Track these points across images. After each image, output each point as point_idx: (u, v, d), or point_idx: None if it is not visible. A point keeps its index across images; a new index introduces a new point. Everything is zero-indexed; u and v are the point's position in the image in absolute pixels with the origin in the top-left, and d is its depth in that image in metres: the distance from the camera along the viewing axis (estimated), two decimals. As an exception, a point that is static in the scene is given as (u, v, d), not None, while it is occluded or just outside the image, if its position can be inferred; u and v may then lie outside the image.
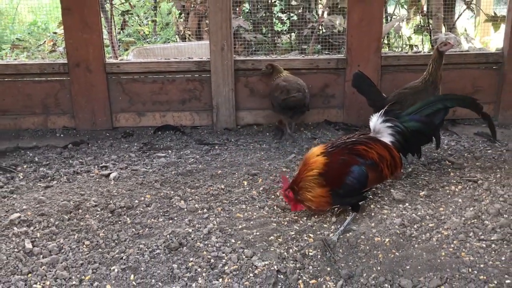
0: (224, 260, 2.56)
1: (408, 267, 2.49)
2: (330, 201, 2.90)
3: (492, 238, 2.73)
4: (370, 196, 3.24)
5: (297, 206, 2.99)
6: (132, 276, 2.46)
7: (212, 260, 2.56)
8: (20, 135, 4.51)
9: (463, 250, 2.63)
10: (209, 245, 2.68)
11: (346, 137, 3.11)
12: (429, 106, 3.27)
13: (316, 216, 3.01)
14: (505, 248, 2.63)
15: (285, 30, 6.71)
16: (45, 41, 7.21)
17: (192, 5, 6.50)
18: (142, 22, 7.83)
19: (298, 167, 3.05)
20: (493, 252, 2.61)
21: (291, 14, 6.59)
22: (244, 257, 2.58)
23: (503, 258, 2.55)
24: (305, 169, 2.91)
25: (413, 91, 4.03)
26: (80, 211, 3.09)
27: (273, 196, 3.28)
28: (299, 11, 6.37)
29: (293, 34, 6.52)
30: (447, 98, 3.36)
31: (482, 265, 2.48)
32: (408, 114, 3.24)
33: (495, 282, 2.36)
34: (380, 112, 3.18)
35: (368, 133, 3.17)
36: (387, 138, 3.11)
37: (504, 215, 2.94)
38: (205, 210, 3.12)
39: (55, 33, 7.23)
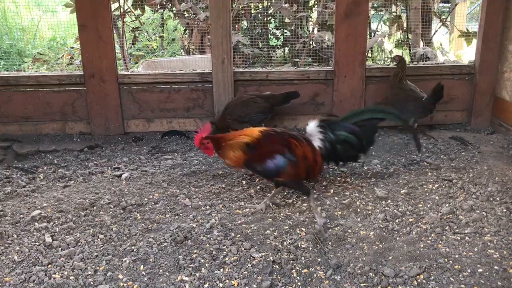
0: (225, 252, 2.56)
1: (390, 257, 2.49)
2: (244, 167, 3.03)
3: (466, 232, 2.73)
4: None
5: (209, 152, 3.08)
6: (142, 266, 2.46)
7: (214, 252, 2.55)
8: (41, 139, 4.50)
9: (440, 242, 2.63)
10: (211, 239, 2.68)
11: (287, 130, 3.18)
12: (358, 115, 3.16)
13: (307, 212, 3.01)
14: (477, 241, 2.64)
15: (279, 45, 6.71)
16: (63, 55, 7.19)
17: (196, 23, 6.49)
18: (151, 37, 7.83)
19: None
20: (466, 244, 2.62)
21: (285, 31, 6.59)
22: (243, 249, 2.58)
23: (475, 249, 2.55)
24: (240, 134, 3.02)
25: None
26: (95, 208, 3.09)
27: (268, 194, 3.28)
28: (292, 27, 6.38)
29: (286, 48, 6.53)
30: (377, 110, 3.24)
31: (457, 256, 2.48)
32: (341, 121, 3.17)
33: (469, 271, 2.36)
34: (319, 119, 3.19)
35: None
36: (316, 143, 3.09)
37: (476, 211, 2.95)
38: (207, 207, 3.11)
39: (72, 47, 7.22)
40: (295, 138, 3.02)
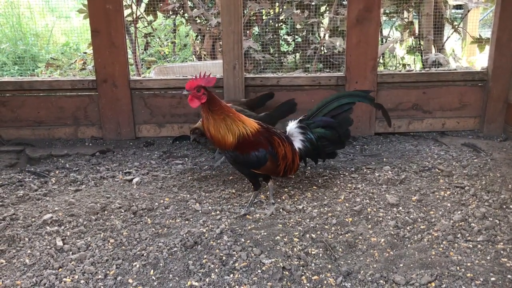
0: (234, 258, 2.55)
1: (401, 265, 2.47)
2: (224, 151, 3.00)
3: (478, 239, 2.70)
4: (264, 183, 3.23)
5: (194, 103, 2.89)
6: (152, 271, 2.46)
7: (223, 258, 2.55)
8: (53, 144, 4.54)
9: (452, 250, 2.61)
10: (221, 244, 2.68)
11: (272, 127, 3.22)
12: (327, 106, 3.27)
13: (318, 218, 3.00)
14: (490, 249, 2.61)
15: (291, 51, 6.72)
16: (76, 60, 7.26)
17: (207, 28, 6.53)
18: (163, 43, 7.87)
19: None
20: (479, 252, 2.59)
21: (296, 36, 6.60)
22: (252, 255, 2.57)
23: (488, 258, 2.52)
24: (240, 119, 2.97)
25: None
26: (105, 212, 3.10)
27: (279, 200, 3.28)
28: (303, 33, 6.39)
29: (297, 54, 6.53)
30: (342, 96, 3.33)
31: (469, 264, 2.46)
32: (310, 117, 3.26)
33: (481, 279, 2.33)
34: (297, 119, 3.27)
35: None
36: (297, 144, 3.19)
37: (489, 218, 2.92)
38: (217, 212, 3.11)
39: (85, 53, 7.28)
40: (278, 136, 3.12)
